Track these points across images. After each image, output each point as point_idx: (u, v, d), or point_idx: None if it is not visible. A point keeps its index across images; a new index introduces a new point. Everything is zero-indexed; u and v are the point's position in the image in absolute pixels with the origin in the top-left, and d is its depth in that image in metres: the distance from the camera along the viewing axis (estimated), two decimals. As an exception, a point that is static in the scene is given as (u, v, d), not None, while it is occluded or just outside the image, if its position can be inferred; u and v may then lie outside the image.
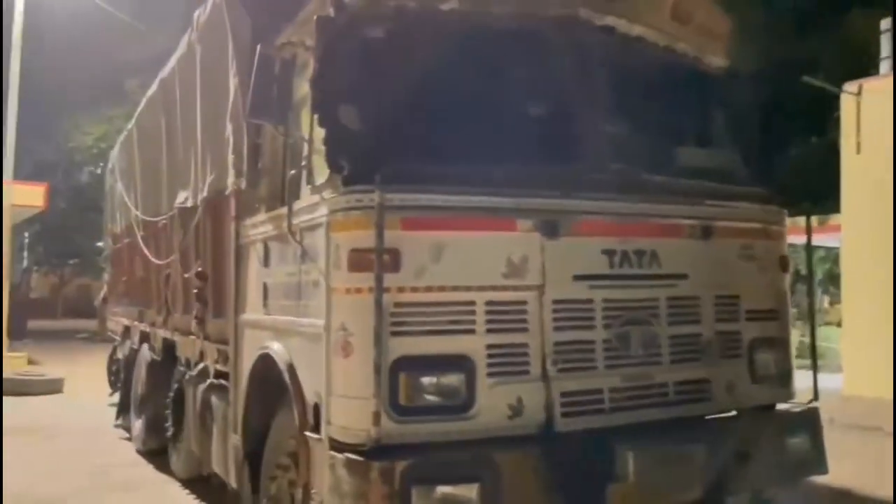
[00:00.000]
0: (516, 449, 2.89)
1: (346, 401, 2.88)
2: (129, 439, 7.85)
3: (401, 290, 2.83)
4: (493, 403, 2.92)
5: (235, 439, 4.25)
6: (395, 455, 2.74)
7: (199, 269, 5.17)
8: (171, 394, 6.22)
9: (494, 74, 3.34)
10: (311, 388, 3.18)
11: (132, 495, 5.74)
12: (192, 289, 5.47)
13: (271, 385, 3.93)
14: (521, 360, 2.97)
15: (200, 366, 5.19)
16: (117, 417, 8.41)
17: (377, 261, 2.77)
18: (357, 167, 2.91)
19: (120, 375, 8.79)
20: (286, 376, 3.36)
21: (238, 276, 4.36)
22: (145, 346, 7.43)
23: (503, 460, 2.81)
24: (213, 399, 4.82)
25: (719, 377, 3.51)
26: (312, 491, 3.07)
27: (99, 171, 19.62)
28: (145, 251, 7.06)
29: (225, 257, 4.86)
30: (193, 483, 5.93)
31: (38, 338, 20.77)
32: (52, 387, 11.59)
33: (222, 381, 4.73)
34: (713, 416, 3.58)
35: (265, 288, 3.86)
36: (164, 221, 6.37)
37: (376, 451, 2.75)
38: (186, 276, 5.45)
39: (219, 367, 4.80)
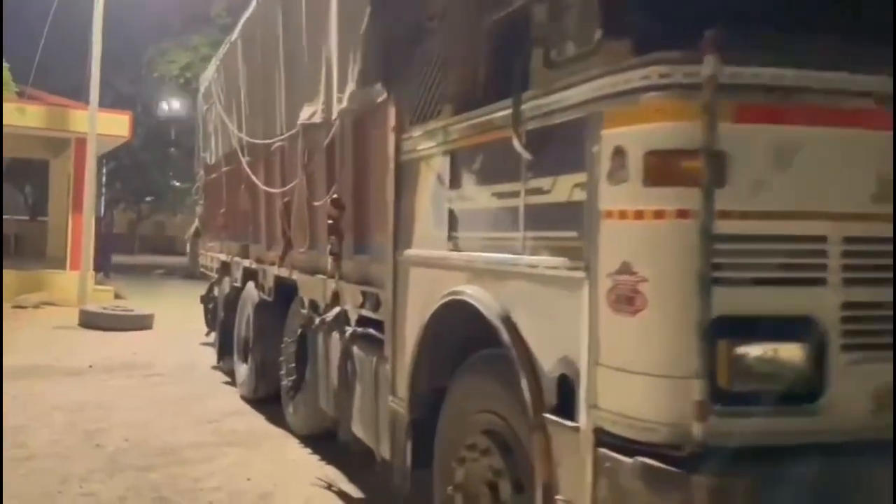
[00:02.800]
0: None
1: (630, 378, 1.93)
2: (230, 383, 7.21)
3: (725, 215, 1.84)
4: (849, 391, 1.94)
5: (396, 403, 3.39)
6: (716, 465, 1.80)
7: (335, 195, 4.28)
8: (290, 341, 5.45)
9: None
10: (550, 352, 2.24)
11: (253, 453, 5.01)
12: (324, 220, 4.61)
13: (455, 340, 3.06)
14: (891, 329, 1.97)
15: (335, 311, 4.33)
16: (218, 360, 7.76)
17: (707, 166, 1.77)
18: (653, 26, 1.90)
19: (218, 315, 8.13)
20: (504, 334, 2.43)
21: (399, 201, 3.44)
22: (251, 285, 6.67)
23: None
24: (357, 351, 3.96)
25: None
26: (558, 498, 2.17)
27: (179, 104, 18.99)
28: (253, 179, 6.24)
29: (372, 180, 3.95)
30: (315, 441, 5.18)
31: (118, 273, 20.66)
32: (143, 323, 11.14)
33: (369, 331, 3.86)
34: None
35: (451, 216, 2.91)
36: (279, 144, 5.49)
37: (688, 458, 1.81)
38: (316, 204, 4.57)
39: (364, 312, 3.93)
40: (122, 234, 36.23)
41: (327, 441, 5.08)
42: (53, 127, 13.48)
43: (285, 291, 5.78)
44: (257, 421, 5.88)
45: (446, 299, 2.87)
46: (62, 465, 4.52)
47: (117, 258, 25.62)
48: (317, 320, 4.58)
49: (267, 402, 6.28)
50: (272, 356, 6.16)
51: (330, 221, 4.28)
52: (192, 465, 4.62)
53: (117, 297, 14.44)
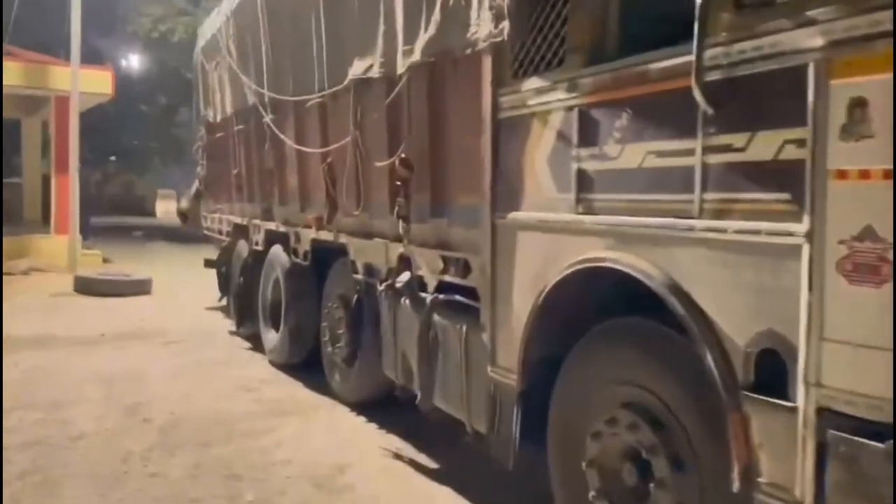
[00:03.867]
0: None
1: (871, 354, 1.74)
2: (254, 349, 6.94)
3: None
4: None
5: (498, 373, 3.18)
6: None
7: (402, 155, 3.98)
8: (334, 306, 5.20)
9: None
10: (746, 325, 2.03)
11: (309, 423, 4.77)
12: (382, 181, 4.33)
13: (576, 308, 2.85)
14: None
15: (405, 276, 4.08)
16: (238, 326, 7.46)
17: None
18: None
19: (234, 279, 7.80)
20: (677, 305, 2.21)
21: (498, 161, 3.17)
22: (278, 248, 6.36)
23: None
24: (439, 319, 3.73)
25: None
26: (761, 480, 1.99)
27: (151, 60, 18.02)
28: (282, 138, 5.88)
29: (455, 138, 3.68)
30: (366, 409, 4.98)
31: (97, 236, 19.95)
32: (142, 288, 10.72)
33: (455, 297, 3.62)
34: None
35: (581, 176, 2.66)
36: (317, 100, 5.15)
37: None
38: (379, 164, 4.26)
39: (448, 278, 3.69)
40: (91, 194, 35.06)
41: (378, 409, 4.91)
42: (32, 85, 12.72)
43: (321, 255, 5.52)
44: (296, 389, 5.64)
45: (580, 266, 2.64)
46: (117, 443, 4.24)
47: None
48: (380, 286, 4.33)
49: (300, 368, 6.06)
50: (308, 321, 5.92)
51: (398, 183, 4.00)
52: (253, 438, 4.38)
53: (105, 261, 13.92)
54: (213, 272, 8.76)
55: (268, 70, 6.12)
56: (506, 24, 2.98)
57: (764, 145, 1.98)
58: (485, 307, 3.30)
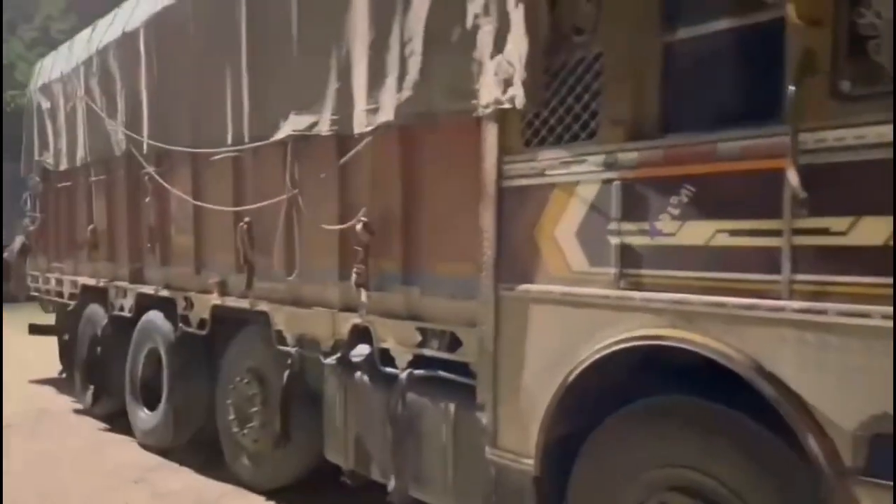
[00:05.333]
0: None
1: None
2: (114, 430, 6.00)
3: None
4: None
5: (502, 456, 2.94)
6: None
7: (364, 219, 3.66)
8: (244, 382, 4.63)
9: None
10: (850, 408, 2.01)
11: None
12: (320, 244, 3.97)
13: (604, 388, 2.71)
14: None
15: (361, 349, 3.70)
16: (93, 403, 6.42)
17: None
18: None
19: (82, 350, 6.75)
20: (767, 388, 2.14)
21: (503, 231, 2.99)
22: (157, 316, 5.61)
23: None
24: (418, 399, 3.39)
25: None
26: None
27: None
28: (173, 192, 5.23)
29: (431, 204, 3.45)
30: (284, 494, 4.44)
31: None
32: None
33: (441, 374, 3.32)
34: None
35: (624, 251, 2.56)
36: (230, 154, 4.63)
37: None
38: (328, 228, 3.87)
39: (429, 353, 3.38)
40: None
41: (295, 493, 4.40)
42: None
43: (218, 325, 4.92)
44: (192, 477, 4.91)
45: (628, 344, 2.52)
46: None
47: None
48: (325, 359, 3.90)
49: (183, 450, 5.31)
50: (198, 399, 5.24)
51: (357, 248, 3.67)
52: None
53: None
54: (37, 340, 7.61)
55: (150, 116, 5.45)
56: (518, 93, 2.84)
57: (871, 231, 2.00)
58: (484, 384, 3.05)
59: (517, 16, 2.80)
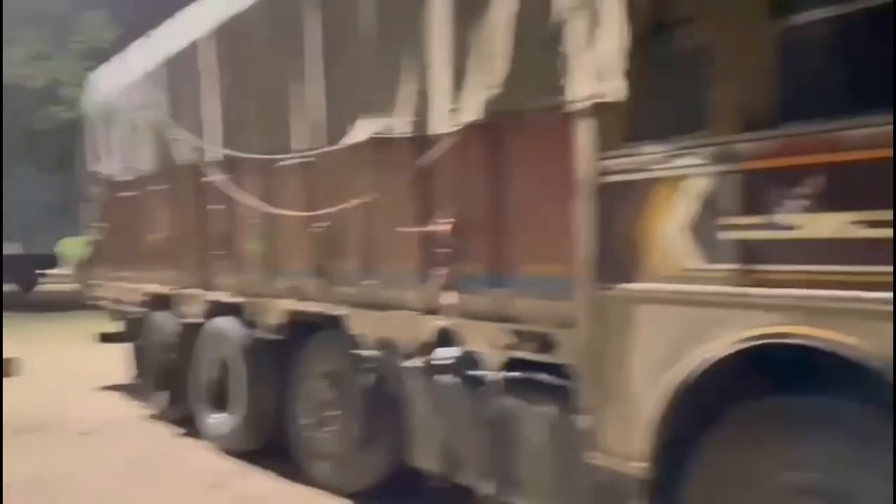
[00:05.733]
0: None
1: None
2: (191, 434, 6.04)
3: None
4: None
5: (606, 460, 2.86)
6: None
7: (447, 221, 3.61)
8: (326, 385, 4.62)
9: None
10: None
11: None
12: (402, 247, 3.93)
13: (722, 388, 2.60)
14: None
15: (450, 352, 3.64)
16: (167, 408, 6.47)
17: None
18: None
19: (155, 356, 6.82)
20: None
21: (603, 229, 2.90)
22: (228, 322, 5.63)
23: None
24: (515, 402, 3.31)
25: None
26: None
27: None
28: (248, 200, 5.21)
29: (520, 203, 3.37)
30: (368, 498, 4.41)
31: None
32: (9, 369, 9.12)
33: (538, 376, 3.25)
34: None
35: (744, 246, 2.45)
36: (301, 160, 4.61)
37: None
38: (406, 231, 3.82)
39: (522, 355, 3.31)
40: None
41: (382, 496, 4.36)
42: None
43: (302, 329, 4.91)
44: (272, 480, 4.90)
45: (752, 343, 2.41)
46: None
47: None
48: (408, 363, 3.86)
49: (258, 454, 5.32)
50: (272, 403, 5.25)
51: (445, 249, 3.62)
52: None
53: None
54: (96, 347, 7.82)
55: (219, 125, 5.47)
56: (619, 86, 2.75)
57: None
58: (585, 386, 2.97)
59: (614, 6, 2.72)
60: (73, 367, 9.07)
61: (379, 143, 4.00)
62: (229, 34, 5.34)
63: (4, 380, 8.84)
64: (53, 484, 4.74)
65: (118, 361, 8.59)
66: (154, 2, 14.72)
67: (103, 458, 5.38)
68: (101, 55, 15.56)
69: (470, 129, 3.46)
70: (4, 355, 9.41)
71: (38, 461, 5.26)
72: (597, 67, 2.81)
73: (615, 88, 2.75)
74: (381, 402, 4.18)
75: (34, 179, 26.06)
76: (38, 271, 25.59)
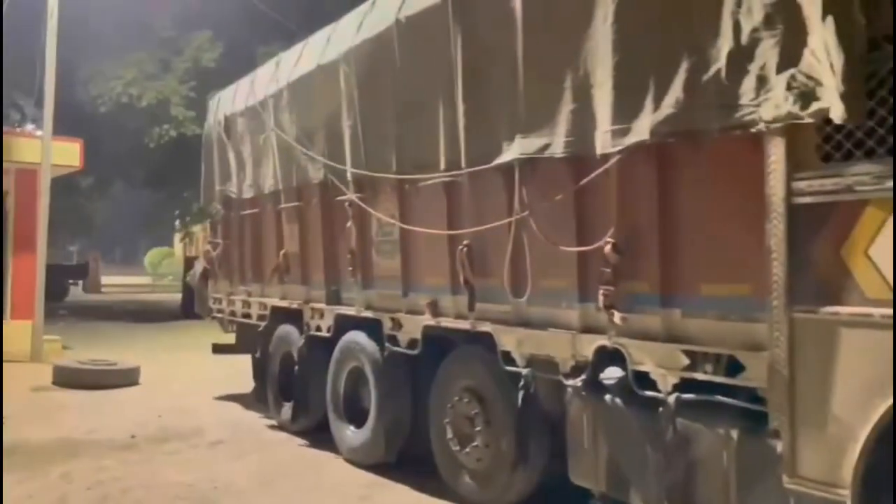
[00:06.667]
0: None
1: None
2: (315, 445, 6.16)
3: None
4: None
5: (807, 487, 2.75)
6: None
7: (612, 240, 3.57)
8: (466, 401, 4.63)
9: None
10: None
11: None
12: (556, 264, 3.91)
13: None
14: None
15: (613, 371, 3.59)
16: (293, 420, 6.61)
17: None
18: None
19: (273, 368, 7.00)
20: None
21: (797, 251, 2.81)
22: (359, 336, 5.71)
23: None
24: (691, 424, 3.23)
25: None
26: None
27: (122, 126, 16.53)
28: (383, 217, 5.29)
29: (693, 222, 3.31)
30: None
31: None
32: (130, 378, 9.51)
33: (720, 399, 3.15)
34: None
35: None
36: (447, 179, 4.65)
37: None
38: (567, 249, 3.80)
39: (700, 376, 3.24)
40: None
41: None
42: (-7, 158, 11.44)
43: (437, 344, 4.95)
44: (410, 493, 4.94)
45: None
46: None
47: None
48: (569, 381, 3.82)
49: (391, 466, 5.37)
50: (407, 417, 5.31)
51: (605, 269, 3.58)
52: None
53: (65, 347, 12.44)
54: (208, 359, 7.99)
55: (352, 145, 5.57)
56: (835, 106, 2.61)
57: None
58: (780, 410, 2.88)
59: (821, 25, 2.63)
60: (184, 376, 9.38)
61: (532, 162, 4.00)
62: (360, 57, 5.44)
63: (131, 388, 9.26)
64: (211, 492, 4.89)
65: (226, 371, 8.88)
66: (256, 23, 15.33)
67: (243, 466, 5.52)
68: (205, 74, 16.24)
69: (636, 149, 3.41)
70: (130, 364, 9.87)
71: (183, 470, 5.44)
72: (797, 87, 2.73)
73: (831, 108, 2.63)
74: (533, 418, 4.16)
75: (120, 196, 27.36)
76: (70, 281, 27.04)
